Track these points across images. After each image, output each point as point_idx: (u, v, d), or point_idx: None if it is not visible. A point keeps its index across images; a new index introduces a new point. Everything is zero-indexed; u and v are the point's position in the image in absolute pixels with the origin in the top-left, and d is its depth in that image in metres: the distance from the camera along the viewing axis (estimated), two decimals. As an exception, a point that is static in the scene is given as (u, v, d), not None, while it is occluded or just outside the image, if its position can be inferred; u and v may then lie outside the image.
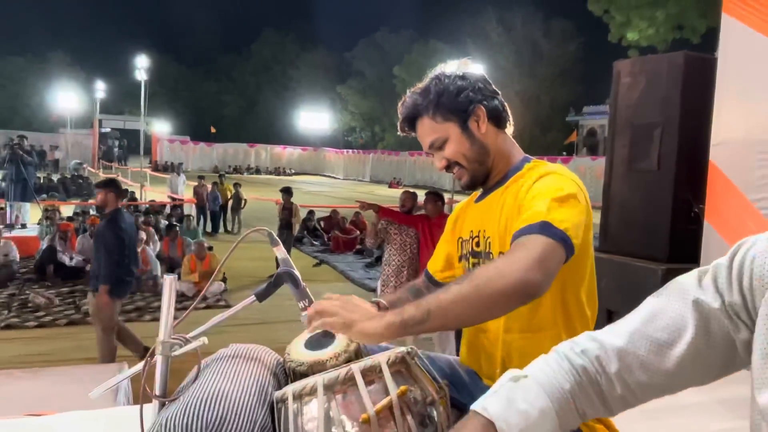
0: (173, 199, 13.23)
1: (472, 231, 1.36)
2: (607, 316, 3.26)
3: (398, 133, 1.38)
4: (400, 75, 37.30)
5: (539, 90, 36.09)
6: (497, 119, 1.31)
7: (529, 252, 1.03)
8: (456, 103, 1.27)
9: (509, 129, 1.35)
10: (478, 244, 1.34)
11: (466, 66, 1.32)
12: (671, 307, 0.75)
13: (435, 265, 1.53)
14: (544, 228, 1.07)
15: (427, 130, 1.30)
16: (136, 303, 6.51)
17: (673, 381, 0.74)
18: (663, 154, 3.48)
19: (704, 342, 0.72)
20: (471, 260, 1.37)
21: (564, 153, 31.56)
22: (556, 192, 1.14)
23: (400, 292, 1.47)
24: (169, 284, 1.09)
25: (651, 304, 0.77)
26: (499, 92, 1.34)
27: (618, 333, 0.77)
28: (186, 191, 14.38)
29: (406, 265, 4.83)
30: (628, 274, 3.51)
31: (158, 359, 1.08)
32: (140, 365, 1.12)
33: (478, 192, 1.43)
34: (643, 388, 0.75)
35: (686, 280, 0.76)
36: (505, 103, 1.34)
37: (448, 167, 1.33)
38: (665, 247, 3.48)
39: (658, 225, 3.53)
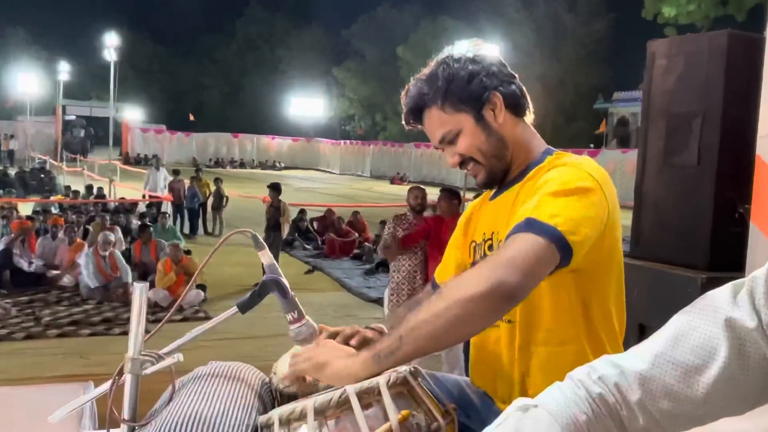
0: (151, 197, 13.20)
1: (485, 233, 1.36)
2: (639, 331, 3.25)
3: (404, 125, 1.37)
4: (404, 56, 37.33)
5: (563, 74, 36.09)
6: (516, 107, 1.31)
7: (504, 252, 1.04)
8: (468, 90, 1.26)
9: (529, 117, 1.35)
10: (491, 248, 1.33)
11: (478, 47, 1.31)
12: (701, 327, 0.74)
13: (444, 273, 1.52)
14: (529, 225, 1.07)
15: (436, 122, 1.30)
16: (104, 314, 6.52)
17: (703, 410, 0.73)
18: (703, 147, 3.47)
19: (738, 366, 0.71)
20: None
21: (591, 145, 31.56)
22: (559, 185, 1.14)
23: (401, 311, 1.47)
24: (139, 293, 1.09)
25: (678, 322, 0.77)
26: (517, 75, 1.33)
27: (641, 356, 0.77)
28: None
29: (418, 269, 4.82)
30: (663, 284, 3.50)
31: (127, 378, 1.08)
32: (107, 385, 1.12)
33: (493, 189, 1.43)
34: (669, 418, 0.74)
35: (719, 295, 0.75)
36: (524, 88, 1.33)
37: (462, 164, 1.32)
38: (705, 253, 3.47)
39: (697, 228, 3.52)
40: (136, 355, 1.08)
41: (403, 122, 1.36)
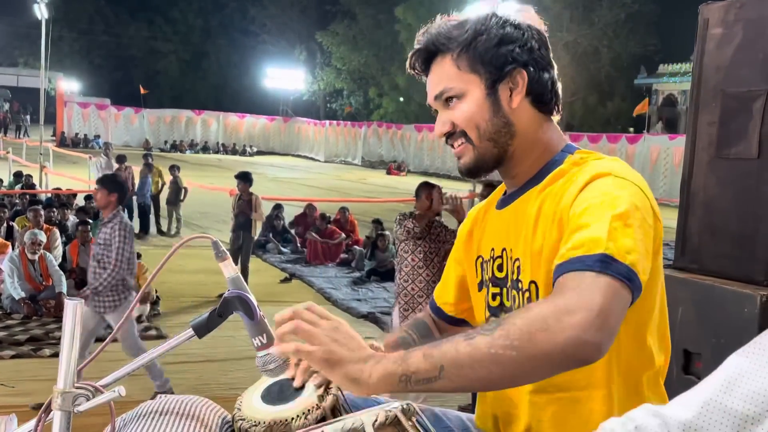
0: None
1: (494, 249, 1.37)
2: (685, 359, 3.26)
3: (407, 70, 1.38)
4: (404, 18, 37.26)
5: (598, 42, 36.13)
6: (539, 98, 1.31)
7: (584, 300, 1.02)
8: (493, 53, 1.27)
9: (555, 118, 1.36)
10: (500, 268, 1.34)
11: (526, 16, 1.32)
12: (760, 370, 0.75)
13: (445, 294, 1.54)
14: (605, 264, 1.06)
15: (443, 74, 1.31)
16: (31, 331, 6.50)
17: None
18: (766, 136, 3.47)
19: None
20: (491, 289, 1.37)
21: (631, 129, 31.72)
22: (615, 203, 1.14)
23: (401, 332, 1.48)
24: (72, 311, 1.07)
25: (733, 365, 0.79)
26: (555, 67, 1.34)
27: (686, 404, 0.78)
28: None
29: (423, 265, 4.88)
30: (715, 302, 3.51)
31: (56, 416, 1.07)
32: (31, 424, 1.12)
33: (498, 193, 1.44)
34: None
35: None
36: (559, 85, 1.34)
37: (450, 136, 1.33)
38: (766, 264, 3.48)
39: (757, 233, 3.53)
40: (67, 387, 1.07)
41: (407, 66, 1.37)
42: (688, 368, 3.36)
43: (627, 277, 1.06)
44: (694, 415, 0.76)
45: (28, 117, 38.94)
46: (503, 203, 1.39)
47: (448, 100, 1.31)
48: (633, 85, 35.61)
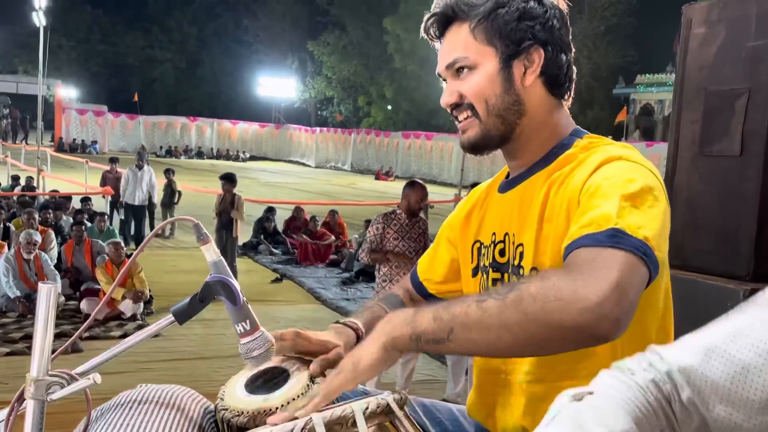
0: (116, 197, 12.40)
1: (495, 233, 1.30)
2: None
3: (421, 35, 1.30)
4: (392, 30, 37.44)
5: (578, 53, 35.43)
6: (553, 79, 1.25)
7: (601, 272, 0.95)
8: (513, 27, 1.21)
9: (566, 103, 1.30)
10: (502, 253, 1.27)
11: None
12: (763, 322, 0.75)
13: (430, 271, 1.47)
14: (617, 238, 0.99)
15: (459, 42, 1.24)
16: (25, 329, 6.40)
17: (757, 419, 0.74)
18: (748, 133, 3.45)
19: None
20: (491, 275, 1.30)
21: (609, 137, 31.81)
22: (627, 184, 1.07)
23: (375, 308, 1.40)
24: (46, 295, 1.02)
25: (734, 317, 0.78)
26: (573, 50, 1.28)
27: (689, 348, 0.78)
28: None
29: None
30: (698, 297, 3.47)
31: (29, 405, 1.02)
32: (3, 412, 1.07)
33: (501, 176, 1.37)
34: (722, 426, 0.75)
35: None
36: (574, 69, 1.29)
37: (457, 107, 1.26)
38: (748, 259, 3.44)
39: (739, 230, 3.50)
40: (41, 375, 1.02)
41: (422, 30, 1.29)
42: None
43: (642, 251, 0.99)
44: (699, 361, 0.76)
45: (27, 122, 38.77)
46: (507, 186, 1.31)
47: (460, 70, 1.24)
48: (612, 95, 35.93)
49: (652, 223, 1.04)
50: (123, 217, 11.98)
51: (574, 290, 0.93)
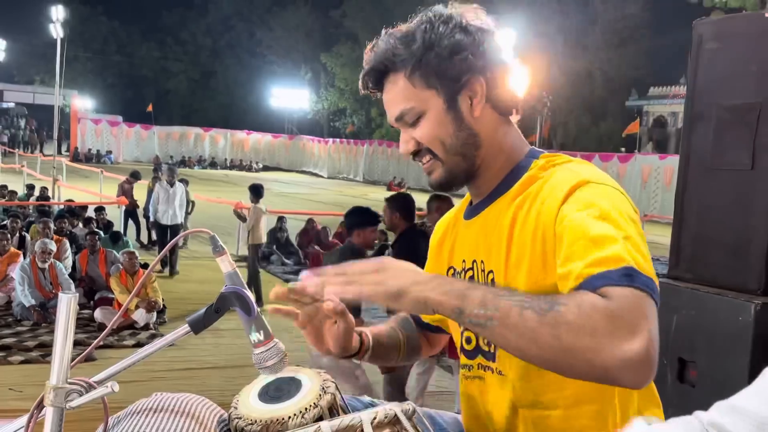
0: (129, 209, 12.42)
1: (464, 260, 1.30)
2: (680, 367, 3.20)
3: (361, 91, 1.31)
4: (405, 40, 37.45)
5: (590, 65, 36.34)
6: (500, 102, 1.23)
7: (631, 316, 0.94)
8: (448, 65, 1.18)
9: (514, 118, 1.27)
10: (472, 279, 1.27)
11: (475, 15, 1.22)
12: None
13: None
14: (630, 277, 0.98)
15: (399, 94, 1.22)
16: (40, 338, 6.44)
17: None
18: (759, 147, 3.44)
19: None
20: None
21: (622, 149, 31.73)
22: (615, 213, 1.07)
23: (389, 327, 1.42)
24: (66, 305, 1.04)
25: (760, 379, 0.78)
26: (515, 57, 1.25)
27: (719, 407, 0.78)
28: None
29: None
30: (708, 311, 3.45)
31: (48, 412, 1.04)
32: (23, 419, 1.08)
33: (465, 203, 1.37)
34: None
35: None
36: (518, 81, 1.28)
37: (417, 154, 1.25)
38: (760, 273, 3.42)
39: (750, 243, 3.48)
40: (60, 383, 1.03)
41: (360, 86, 1.30)
42: (683, 376, 3.29)
43: (651, 289, 0.99)
44: (756, 426, 0.74)
45: (44, 133, 39.11)
46: (471, 213, 1.31)
47: (409, 121, 1.23)
48: (624, 107, 35.79)
49: (648, 256, 1.04)
50: (156, 238, 11.33)
51: (610, 333, 0.92)
